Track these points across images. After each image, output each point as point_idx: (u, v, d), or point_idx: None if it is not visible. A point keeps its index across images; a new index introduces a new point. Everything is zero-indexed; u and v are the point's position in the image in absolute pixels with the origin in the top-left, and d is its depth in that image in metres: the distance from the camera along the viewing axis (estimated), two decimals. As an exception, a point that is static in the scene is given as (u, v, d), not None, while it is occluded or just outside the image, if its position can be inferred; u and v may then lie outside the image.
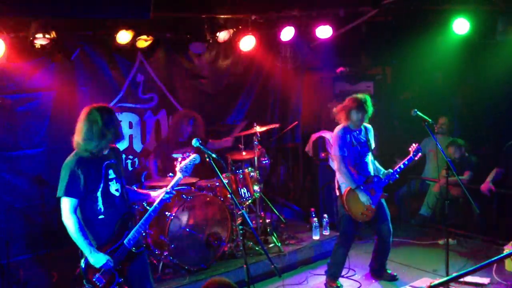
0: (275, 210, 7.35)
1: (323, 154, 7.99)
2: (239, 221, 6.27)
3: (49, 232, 6.61)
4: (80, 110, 6.65)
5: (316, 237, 7.07)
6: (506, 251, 5.98)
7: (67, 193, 4.07)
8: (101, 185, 4.17)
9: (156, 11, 5.28)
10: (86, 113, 4.15)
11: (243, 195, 6.54)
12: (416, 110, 5.64)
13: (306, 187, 8.64)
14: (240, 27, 7.31)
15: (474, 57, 8.26)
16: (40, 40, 5.96)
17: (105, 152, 4.24)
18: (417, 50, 8.03)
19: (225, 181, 6.33)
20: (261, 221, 6.99)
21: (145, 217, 4.31)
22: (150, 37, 6.80)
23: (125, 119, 7.21)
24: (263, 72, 8.40)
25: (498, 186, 7.16)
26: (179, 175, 4.48)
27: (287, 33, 7.52)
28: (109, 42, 6.68)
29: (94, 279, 4.12)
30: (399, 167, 5.85)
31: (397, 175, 5.86)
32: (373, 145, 5.96)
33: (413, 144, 5.97)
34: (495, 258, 4.46)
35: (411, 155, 5.90)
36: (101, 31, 6.54)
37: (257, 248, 6.50)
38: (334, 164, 5.97)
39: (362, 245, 7.22)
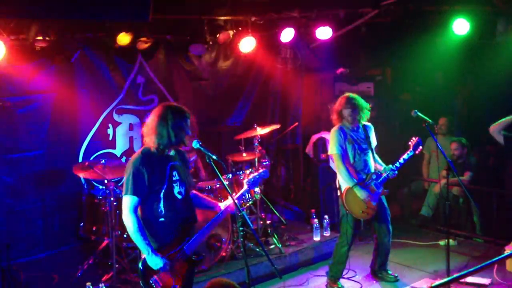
0: (275, 211, 7.35)
1: (323, 155, 7.99)
2: (239, 222, 6.26)
3: (50, 234, 6.63)
4: (81, 112, 6.83)
5: (316, 238, 7.07)
6: (507, 251, 5.98)
7: (131, 191, 3.98)
8: (165, 186, 4.08)
9: (155, 13, 5.28)
10: (159, 110, 4.13)
11: (244, 197, 6.53)
12: (416, 110, 5.63)
13: (306, 188, 8.64)
14: (240, 28, 7.32)
15: (474, 57, 8.27)
16: (40, 43, 5.98)
17: (171, 153, 4.19)
18: (417, 50, 8.03)
19: (226, 182, 6.35)
20: (261, 222, 6.99)
21: (207, 225, 4.23)
22: (150, 39, 6.81)
23: (126, 121, 7.21)
24: (263, 74, 8.41)
25: (498, 186, 7.15)
26: (245, 187, 4.45)
27: (287, 34, 7.52)
28: (109, 44, 6.68)
29: (151, 281, 4.00)
30: (399, 162, 5.76)
31: (396, 171, 5.77)
32: (374, 143, 5.93)
33: (413, 138, 5.86)
34: (496, 258, 4.46)
35: (411, 149, 5.81)
36: (101, 33, 6.54)
37: (257, 250, 6.51)
38: (333, 163, 5.97)
39: (362, 246, 7.21)
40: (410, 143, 5.85)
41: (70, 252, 6.68)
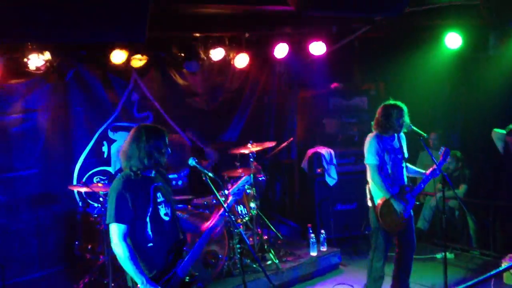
0: (272, 226, 7.33)
1: (319, 170, 7.99)
2: (236, 239, 6.25)
3: (44, 253, 6.57)
4: (75, 130, 6.83)
5: (313, 253, 7.04)
6: (504, 264, 5.97)
7: (116, 219, 3.84)
8: (150, 209, 3.95)
9: (150, 31, 5.30)
10: (133, 131, 4.03)
11: (240, 213, 6.53)
12: (411, 125, 5.64)
13: (302, 203, 8.63)
14: (233, 45, 7.35)
15: (467, 71, 8.32)
16: (35, 61, 5.98)
17: (151, 174, 4.07)
18: (410, 65, 8.08)
19: (222, 198, 6.33)
20: (258, 238, 6.96)
21: (197, 245, 4.11)
22: (145, 56, 6.83)
23: (120, 139, 7.19)
24: (257, 89, 8.44)
25: (494, 198, 7.16)
26: (231, 198, 4.36)
27: (281, 50, 7.57)
28: (104, 62, 6.70)
29: None
30: (438, 169, 5.62)
31: (439, 174, 5.61)
32: (406, 153, 5.82)
33: (442, 148, 5.81)
34: (494, 272, 4.45)
35: (441, 159, 5.72)
36: (95, 51, 6.57)
37: (254, 266, 6.47)
38: (367, 173, 5.72)
39: (358, 260, 7.20)
40: (440, 153, 5.77)
41: (65, 271, 6.62)
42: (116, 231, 3.86)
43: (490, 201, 7.12)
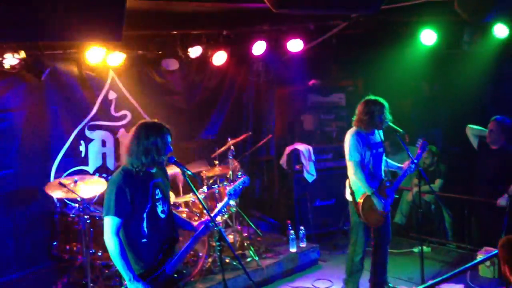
0: (251, 224, 7.35)
1: (297, 166, 8.05)
2: (216, 237, 6.25)
3: (21, 254, 6.48)
4: (52, 129, 6.75)
5: (293, 250, 7.09)
6: (479, 257, 6.09)
7: (114, 213, 3.84)
8: (149, 205, 3.97)
9: (127, 29, 5.26)
10: (135, 128, 4.04)
11: (224, 209, 6.52)
12: (387, 121, 5.71)
13: (281, 200, 8.67)
14: (211, 42, 7.34)
15: (442, 67, 8.44)
16: (9, 60, 5.89)
17: (153, 170, 4.08)
18: (387, 61, 8.16)
19: (201, 196, 6.34)
20: (238, 235, 6.99)
21: (189, 243, 4.15)
22: (122, 55, 6.78)
23: (98, 137, 7.14)
24: (236, 87, 8.44)
25: (470, 192, 7.28)
26: (226, 198, 4.39)
27: (259, 48, 7.58)
28: (80, 61, 6.64)
29: None
30: (409, 167, 5.72)
31: (414, 170, 5.71)
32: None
33: (419, 139, 5.87)
34: (469, 264, 4.58)
35: (419, 151, 5.80)
36: (72, 50, 6.50)
37: (234, 263, 6.49)
38: (348, 169, 5.74)
39: (337, 255, 7.29)
40: (417, 145, 5.84)
41: (43, 272, 6.54)
42: (111, 224, 3.86)
43: (465, 196, 7.24)
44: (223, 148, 6.98)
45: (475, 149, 7.10)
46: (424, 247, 6.48)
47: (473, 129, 7.03)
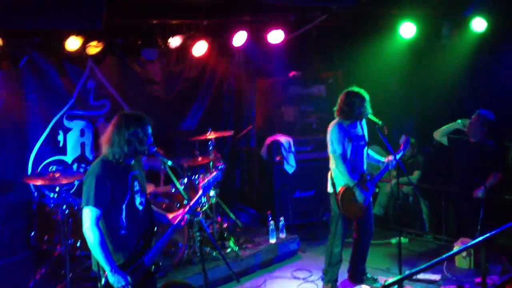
0: (231, 214, 7.36)
1: (277, 158, 8.07)
2: (196, 227, 6.26)
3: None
4: (29, 118, 6.66)
5: (272, 240, 7.12)
6: (456, 247, 6.19)
7: (94, 203, 3.80)
8: (127, 197, 3.95)
9: (106, 17, 5.20)
10: (116, 118, 3.99)
11: (200, 201, 6.51)
12: (367, 113, 5.74)
13: (261, 191, 8.69)
14: (192, 32, 7.29)
15: (421, 59, 8.52)
16: (-14, 48, 5.80)
17: (131, 162, 4.04)
18: (367, 53, 8.21)
19: (181, 187, 6.31)
20: (217, 226, 6.99)
21: (165, 235, 4.14)
22: (101, 43, 6.69)
23: (77, 127, 7.06)
24: (216, 77, 8.40)
25: (447, 184, 7.39)
26: (200, 192, 4.38)
27: (240, 38, 7.55)
28: (58, 49, 6.52)
29: None
30: (391, 162, 5.76)
31: (395, 165, 5.75)
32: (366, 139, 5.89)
33: (403, 136, 5.91)
34: (446, 255, 4.63)
35: (401, 147, 5.85)
36: (50, 37, 6.39)
37: (214, 254, 6.50)
38: (330, 161, 5.77)
39: (316, 247, 7.34)
40: (400, 142, 5.90)
41: (21, 262, 6.46)
42: (90, 215, 3.83)
43: (442, 187, 7.34)
44: (203, 138, 6.94)
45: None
46: (402, 238, 6.56)
47: (439, 132, 7.02)
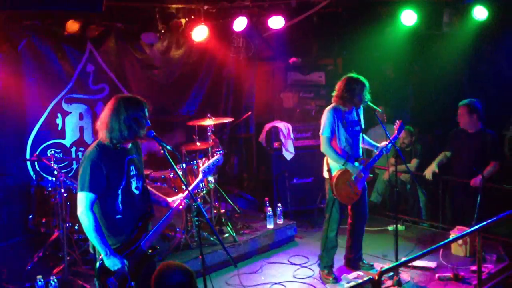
0: (229, 200, 7.38)
1: (276, 144, 8.07)
2: (194, 212, 6.26)
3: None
4: (28, 102, 6.65)
5: (270, 226, 7.14)
6: (452, 236, 6.21)
7: (89, 188, 3.79)
8: (123, 182, 3.93)
9: (106, 0, 5.17)
10: (112, 102, 3.93)
11: (199, 186, 6.54)
12: (366, 100, 5.73)
13: (260, 177, 8.71)
14: (192, 17, 7.26)
15: (421, 47, 8.50)
16: (-16, 30, 5.77)
17: (128, 146, 4.02)
18: (368, 40, 8.18)
19: (180, 172, 6.32)
20: (215, 211, 7.02)
21: (163, 219, 4.14)
22: (100, 27, 6.67)
23: (75, 111, 7.06)
24: (216, 62, 8.38)
25: (443, 172, 7.40)
26: (200, 176, 4.36)
27: (240, 23, 7.52)
28: (58, 32, 6.51)
29: (107, 282, 3.87)
30: (386, 147, 5.77)
31: (387, 152, 5.78)
32: (362, 125, 5.88)
33: (397, 121, 5.91)
34: (442, 243, 4.67)
35: (395, 132, 5.84)
36: (49, 20, 6.37)
37: (212, 239, 6.53)
38: (321, 144, 5.76)
39: (313, 233, 7.37)
40: (394, 126, 5.89)
41: (19, 245, 6.51)
42: (85, 200, 3.83)
43: (439, 176, 7.35)
44: (201, 123, 6.93)
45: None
46: (399, 226, 6.59)
47: (431, 167, 7.10)
